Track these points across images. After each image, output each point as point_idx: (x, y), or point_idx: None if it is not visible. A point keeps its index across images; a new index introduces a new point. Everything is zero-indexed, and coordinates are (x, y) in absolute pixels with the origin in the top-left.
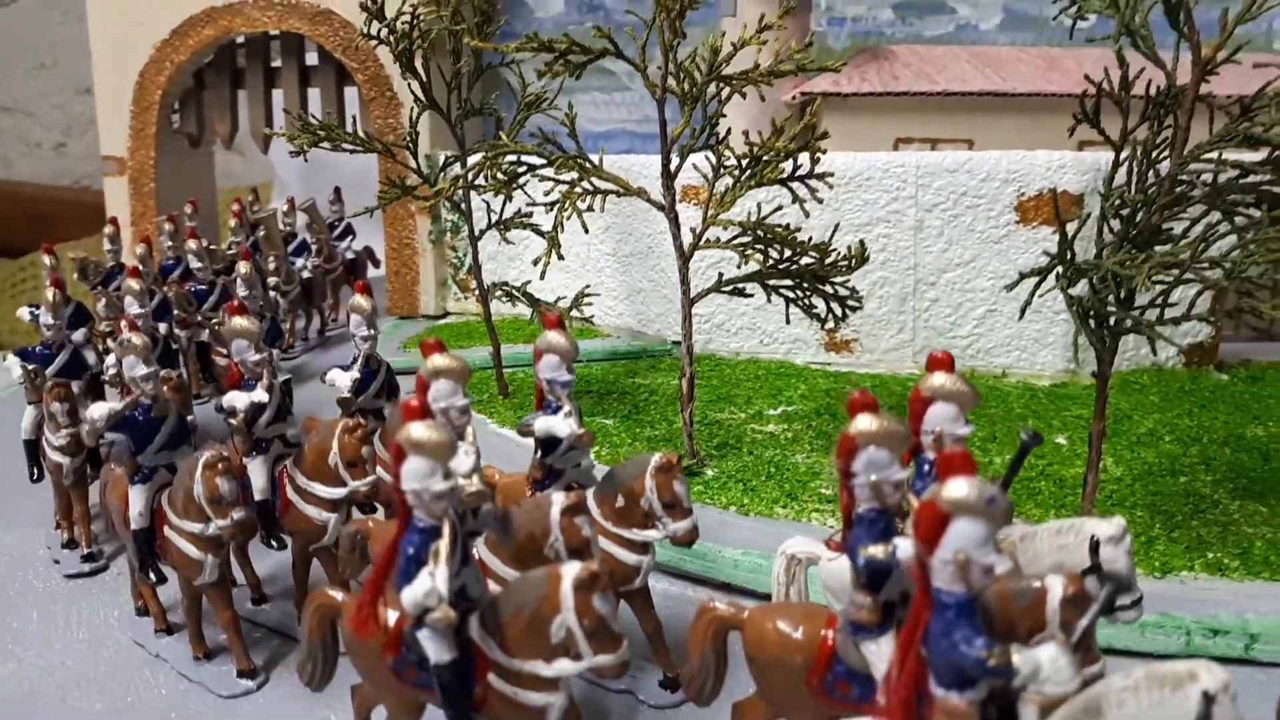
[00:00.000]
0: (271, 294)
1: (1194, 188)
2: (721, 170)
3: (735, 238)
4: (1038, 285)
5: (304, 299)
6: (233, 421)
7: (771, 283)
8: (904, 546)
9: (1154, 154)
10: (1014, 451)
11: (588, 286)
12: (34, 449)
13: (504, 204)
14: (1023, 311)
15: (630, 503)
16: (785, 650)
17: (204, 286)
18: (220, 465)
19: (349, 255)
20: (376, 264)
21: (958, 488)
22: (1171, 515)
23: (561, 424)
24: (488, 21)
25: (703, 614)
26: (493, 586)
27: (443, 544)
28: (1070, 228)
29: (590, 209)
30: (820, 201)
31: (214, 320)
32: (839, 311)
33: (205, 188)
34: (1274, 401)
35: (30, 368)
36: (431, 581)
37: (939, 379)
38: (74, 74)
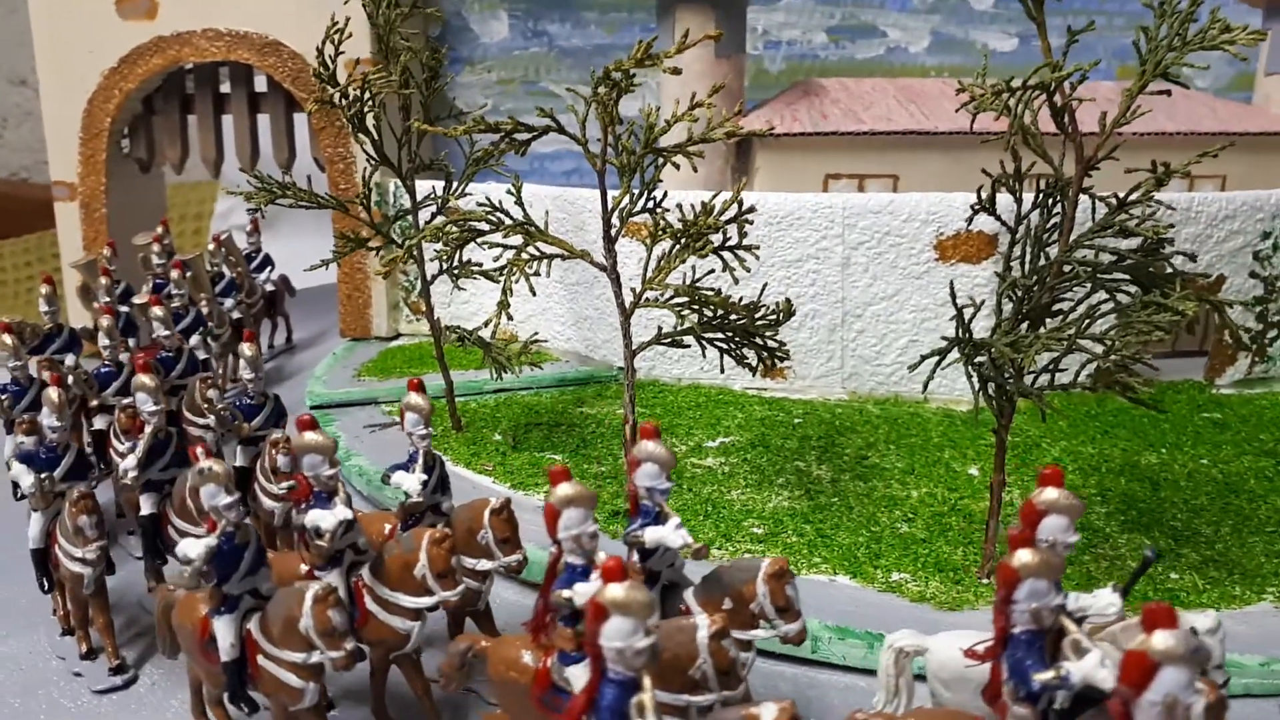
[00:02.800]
0: (198, 336)
1: (1078, 270)
2: (661, 233)
3: (671, 299)
4: (938, 364)
5: (235, 340)
6: (321, 544)
7: (706, 337)
8: (1075, 670)
9: (1044, 238)
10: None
11: (536, 334)
12: (43, 559)
13: (454, 256)
14: (925, 385)
15: (739, 605)
16: None
17: (169, 353)
18: (331, 597)
19: (268, 287)
20: (292, 293)
21: (1165, 640)
22: None
23: (674, 536)
24: (435, 77)
25: None
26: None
27: (647, 697)
28: (967, 312)
29: (537, 274)
30: (748, 270)
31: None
32: (768, 361)
33: (156, 211)
34: (1169, 427)
35: (43, 476)
36: None
37: (1052, 494)
38: (7, 64)
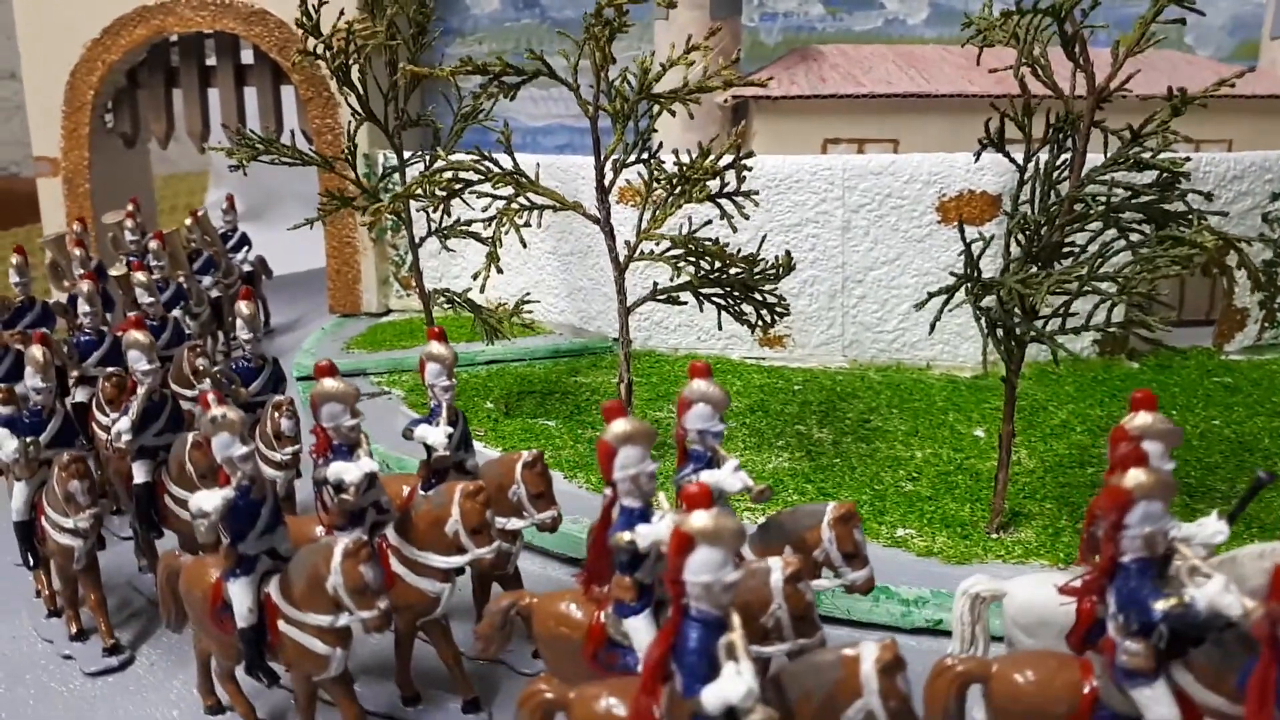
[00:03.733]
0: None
1: (1090, 207)
2: (655, 184)
3: (667, 250)
4: (946, 302)
5: (214, 319)
6: (346, 498)
7: (703, 292)
8: (1201, 596)
9: (1054, 175)
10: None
11: (528, 294)
12: (28, 533)
13: (443, 215)
14: (932, 327)
15: (801, 554)
16: (1044, 700)
17: (154, 323)
18: (363, 551)
19: (246, 268)
20: (269, 275)
21: None
22: (1078, 507)
23: (733, 479)
24: (422, 32)
25: (942, 672)
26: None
27: (737, 636)
28: (976, 247)
29: (528, 224)
30: (746, 218)
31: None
32: (768, 318)
33: (142, 187)
34: (1179, 390)
35: (28, 441)
36: (746, 682)
37: (1146, 418)
38: None
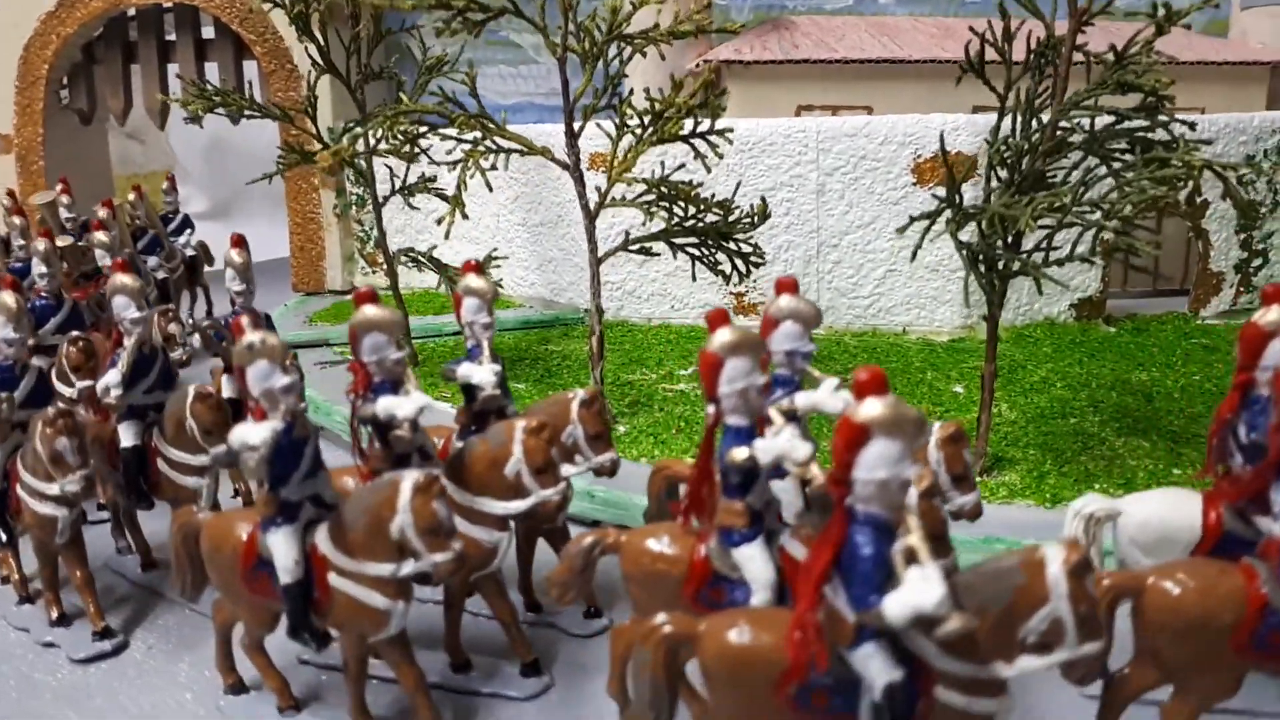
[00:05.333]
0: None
1: (1073, 134)
2: (624, 130)
3: (640, 196)
4: (928, 229)
5: (161, 300)
6: (401, 434)
7: (677, 241)
8: None
9: (1036, 103)
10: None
11: (495, 250)
12: (0, 504)
13: (407, 170)
14: (914, 253)
15: None
16: (1206, 610)
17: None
18: (435, 486)
19: (189, 252)
20: (211, 261)
21: None
22: (1061, 452)
23: (833, 399)
24: None
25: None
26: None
27: (917, 538)
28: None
29: (494, 168)
30: (720, 157)
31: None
32: (743, 268)
33: (99, 165)
34: (1157, 350)
35: (3, 398)
36: (938, 587)
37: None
38: None
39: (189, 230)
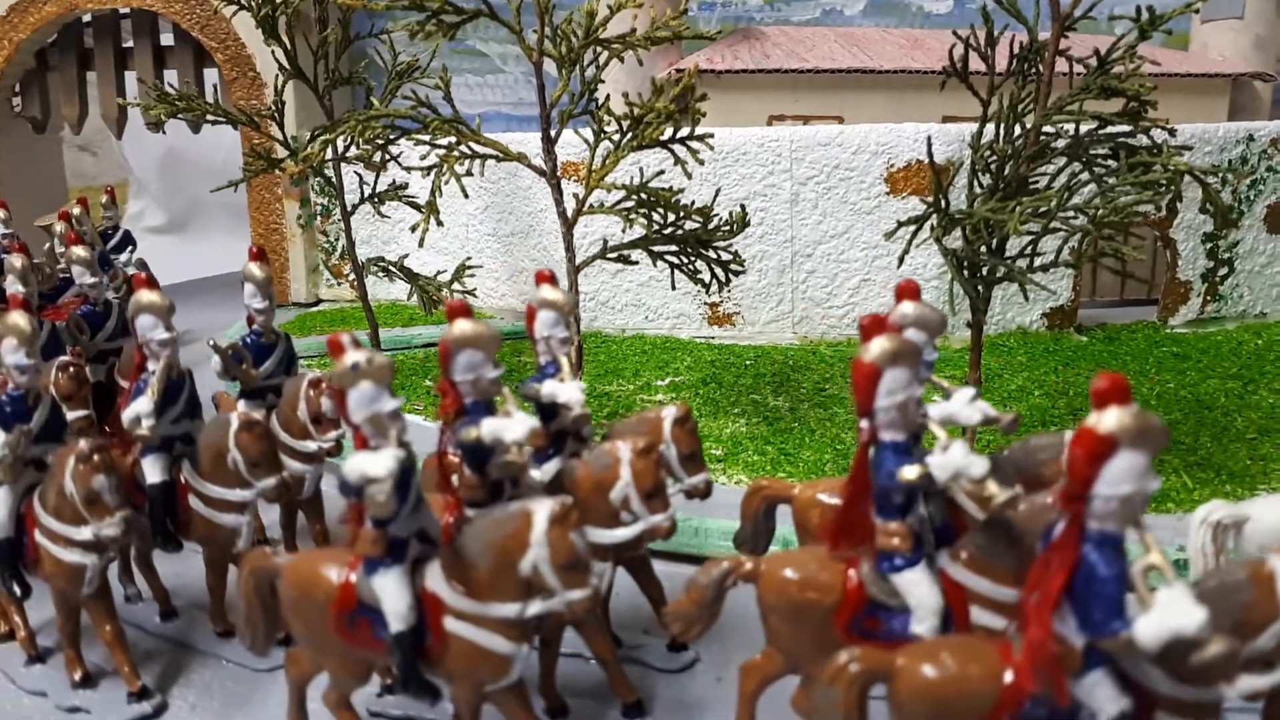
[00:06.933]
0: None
1: (1057, 139)
2: (602, 135)
3: (619, 203)
4: (915, 234)
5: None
6: (512, 459)
7: (656, 249)
8: None
9: (1019, 108)
10: None
11: (469, 258)
12: (13, 552)
13: (376, 178)
14: (901, 258)
15: (1034, 491)
16: None
17: (95, 307)
18: (574, 515)
19: (129, 270)
20: (154, 285)
21: None
22: None
23: (970, 410)
24: None
25: None
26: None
27: (1158, 555)
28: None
29: (469, 173)
30: (701, 163)
31: None
32: (722, 276)
33: (53, 175)
34: (1130, 358)
35: (23, 430)
36: (1198, 609)
37: None
38: None
39: (130, 248)
